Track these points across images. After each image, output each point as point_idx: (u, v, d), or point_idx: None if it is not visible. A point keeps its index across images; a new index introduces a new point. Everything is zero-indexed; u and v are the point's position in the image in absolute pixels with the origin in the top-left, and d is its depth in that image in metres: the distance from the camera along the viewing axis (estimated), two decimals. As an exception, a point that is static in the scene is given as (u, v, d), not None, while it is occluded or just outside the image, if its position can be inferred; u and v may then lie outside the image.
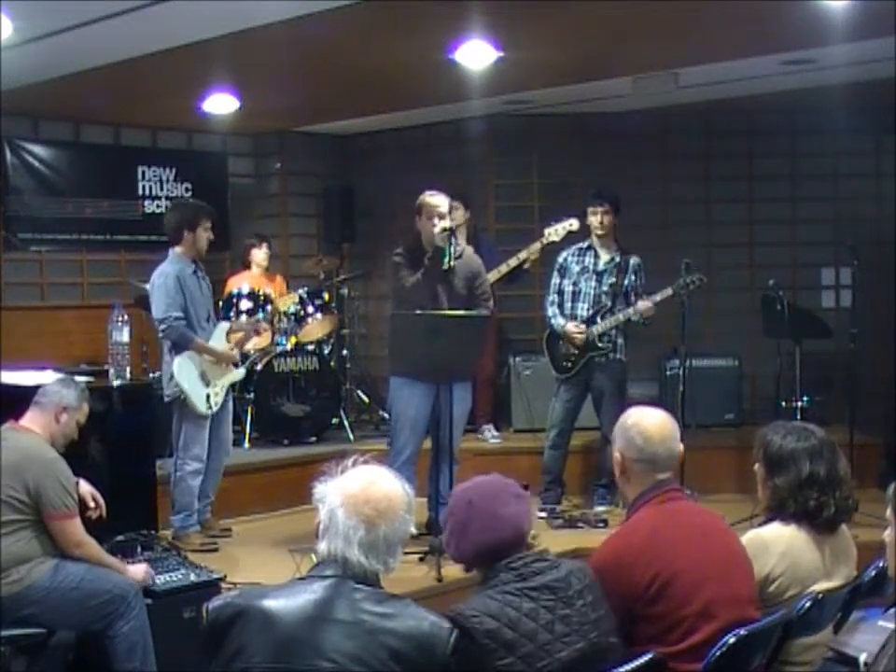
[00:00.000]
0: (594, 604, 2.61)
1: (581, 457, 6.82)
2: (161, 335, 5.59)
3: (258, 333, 6.36)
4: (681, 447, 3.09)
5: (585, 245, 6.35)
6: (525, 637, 2.47)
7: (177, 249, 5.65)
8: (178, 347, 5.55)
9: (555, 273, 6.39)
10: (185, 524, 5.62)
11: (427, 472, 5.74)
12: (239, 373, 6.01)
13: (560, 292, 6.34)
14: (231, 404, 5.94)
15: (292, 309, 7.41)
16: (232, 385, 6.15)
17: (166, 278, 5.54)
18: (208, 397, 5.60)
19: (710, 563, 2.88)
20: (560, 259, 6.39)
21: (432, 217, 5.54)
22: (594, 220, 6.26)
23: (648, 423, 3.05)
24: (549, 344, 6.42)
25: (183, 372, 5.53)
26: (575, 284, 6.30)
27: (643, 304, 6.09)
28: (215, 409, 5.65)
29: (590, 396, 6.37)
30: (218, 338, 5.77)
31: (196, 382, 5.57)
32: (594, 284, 6.26)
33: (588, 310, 6.25)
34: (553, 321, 6.32)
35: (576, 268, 6.31)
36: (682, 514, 3.02)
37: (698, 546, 2.91)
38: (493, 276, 6.74)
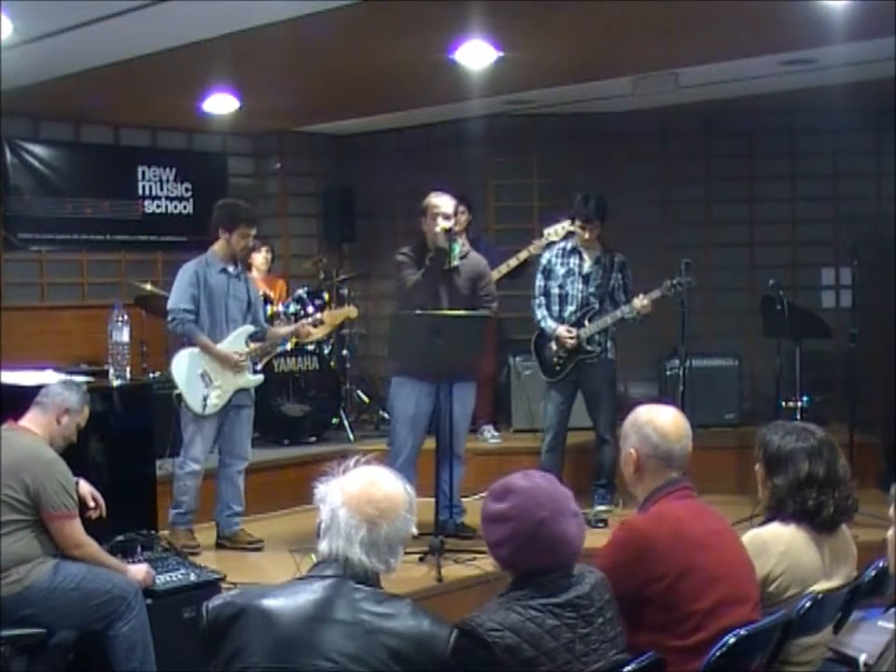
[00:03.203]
0: (612, 620, 2.58)
1: (580, 458, 6.79)
2: (169, 326, 5.61)
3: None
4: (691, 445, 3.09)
5: (569, 246, 6.26)
6: (546, 655, 2.41)
7: (214, 247, 5.66)
8: (188, 341, 5.56)
9: (539, 276, 6.30)
10: (176, 519, 5.58)
11: (431, 472, 5.73)
12: (253, 379, 5.74)
13: (546, 294, 6.26)
14: (248, 410, 5.74)
15: (292, 309, 7.41)
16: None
17: (184, 272, 5.59)
18: (206, 398, 5.49)
19: (722, 563, 2.89)
20: (543, 261, 6.30)
21: (435, 218, 5.59)
22: (581, 233, 6.16)
23: (663, 420, 3.05)
24: (537, 347, 6.35)
25: (180, 368, 5.51)
26: (561, 287, 6.20)
27: (639, 301, 6.01)
28: (212, 410, 5.52)
29: (582, 397, 6.33)
30: (235, 341, 5.62)
31: (194, 380, 5.50)
32: (580, 286, 6.18)
33: (576, 313, 6.18)
34: (542, 324, 6.24)
35: (561, 270, 6.22)
36: (699, 511, 3.03)
37: (713, 545, 2.91)
38: (493, 276, 6.74)
